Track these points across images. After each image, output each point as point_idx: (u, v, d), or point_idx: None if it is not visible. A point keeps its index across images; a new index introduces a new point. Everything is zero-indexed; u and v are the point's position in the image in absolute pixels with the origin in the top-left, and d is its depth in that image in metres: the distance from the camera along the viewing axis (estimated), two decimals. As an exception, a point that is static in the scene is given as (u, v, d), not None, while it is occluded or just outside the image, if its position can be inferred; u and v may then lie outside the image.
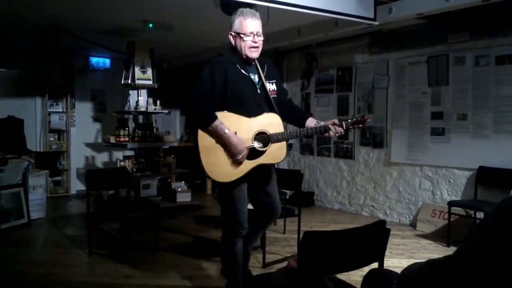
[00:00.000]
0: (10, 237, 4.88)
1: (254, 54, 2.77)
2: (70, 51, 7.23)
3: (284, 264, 3.02)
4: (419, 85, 5.41)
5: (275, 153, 2.78)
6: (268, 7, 3.90)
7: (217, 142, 2.69)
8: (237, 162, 2.70)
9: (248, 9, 2.84)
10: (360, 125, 2.85)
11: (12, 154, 5.90)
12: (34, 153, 6.71)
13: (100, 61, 7.93)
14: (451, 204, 4.64)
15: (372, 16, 4.56)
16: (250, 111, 2.74)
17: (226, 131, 2.64)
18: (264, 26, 2.88)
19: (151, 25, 5.35)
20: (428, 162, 5.37)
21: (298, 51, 7.00)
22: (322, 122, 2.85)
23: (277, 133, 2.75)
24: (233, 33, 2.78)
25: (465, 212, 4.82)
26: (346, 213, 6.29)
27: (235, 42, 2.78)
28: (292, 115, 3.01)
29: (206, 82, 2.69)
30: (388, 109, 5.78)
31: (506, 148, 4.63)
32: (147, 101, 5.92)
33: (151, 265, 3.98)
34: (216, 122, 2.63)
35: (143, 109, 5.85)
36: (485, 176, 4.73)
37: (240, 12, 2.77)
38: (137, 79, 5.73)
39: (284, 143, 2.80)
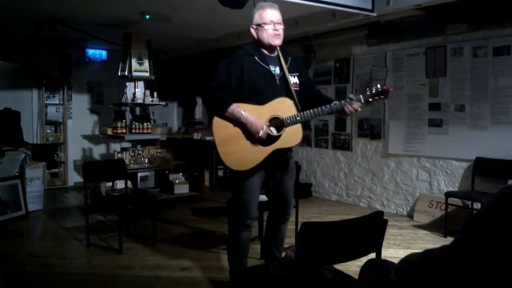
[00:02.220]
0: (8, 229, 4.88)
1: (277, 41, 2.79)
2: (66, 43, 7.17)
3: (282, 254, 3.04)
4: (417, 76, 5.41)
5: (291, 137, 2.74)
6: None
7: (235, 126, 2.71)
8: (254, 149, 2.71)
9: (267, 2, 2.88)
10: (382, 97, 2.71)
11: (9, 146, 5.89)
12: (31, 145, 6.70)
13: (97, 53, 7.88)
14: (448, 195, 4.66)
15: (370, 7, 4.55)
16: (266, 102, 2.74)
17: (243, 112, 2.67)
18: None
19: (147, 16, 5.31)
20: (425, 153, 5.37)
21: (296, 43, 6.95)
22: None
23: (290, 116, 2.71)
24: (254, 26, 2.82)
25: (462, 203, 4.84)
26: (343, 204, 6.31)
27: (257, 34, 2.82)
28: (319, 105, 2.80)
29: (221, 75, 2.75)
30: (386, 101, 5.76)
31: (503, 139, 4.64)
32: (144, 93, 5.90)
33: (149, 257, 3.99)
34: (232, 107, 2.68)
35: (140, 101, 5.83)
36: (482, 167, 4.74)
37: (259, 5, 2.84)
38: (134, 71, 5.70)
39: (299, 126, 2.75)
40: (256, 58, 2.78)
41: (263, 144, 2.72)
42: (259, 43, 2.84)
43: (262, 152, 2.72)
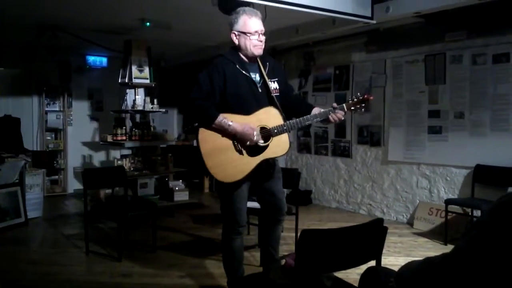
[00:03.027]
0: (7, 236, 4.87)
1: (259, 51, 2.78)
2: (67, 49, 7.20)
3: (282, 262, 3.03)
4: (416, 83, 5.42)
5: (278, 147, 2.75)
6: (265, 5, 3.90)
7: (222, 137, 2.69)
8: (242, 160, 2.69)
9: (249, 8, 2.85)
10: (363, 105, 2.77)
11: (9, 153, 5.88)
12: (31, 152, 6.69)
13: (97, 60, 7.90)
14: (448, 202, 4.65)
15: (370, 15, 4.57)
16: (250, 110, 2.73)
17: (230, 123, 2.65)
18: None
19: (148, 23, 5.33)
20: (425, 161, 5.37)
21: (296, 50, 6.99)
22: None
23: (277, 126, 2.72)
24: (236, 32, 2.77)
25: (462, 210, 4.83)
26: (343, 212, 6.30)
27: (239, 41, 2.78)
28: (299, 109, 2.89)
29: (203, 84, 2.71)
30: (386, 108, 5.79)
31: (503, 146, 4.64)
32: (144, 100, 5.90)
33: (148, 264, 3.97)
34: (219, 118, 2.65)
35: (140, 108, 5.84)
36: (482, 174, 4.74)
37: (243, 11, 2.78)
38: (134, 77, 5.71)
39: (286, 136, 2.77)
40: (237, 65, 2.75)
41: (250, 155, 2.71)
42: (238, 49, 2.81)
43: (250, 163, 2.71)
